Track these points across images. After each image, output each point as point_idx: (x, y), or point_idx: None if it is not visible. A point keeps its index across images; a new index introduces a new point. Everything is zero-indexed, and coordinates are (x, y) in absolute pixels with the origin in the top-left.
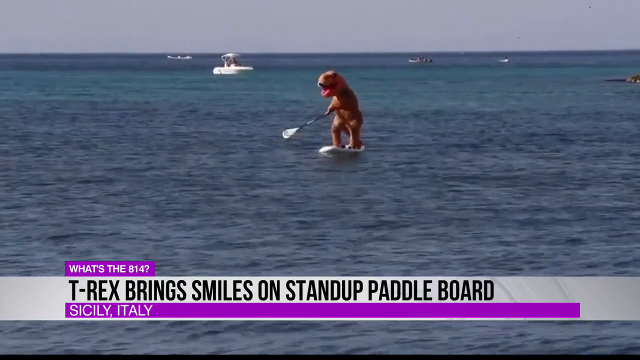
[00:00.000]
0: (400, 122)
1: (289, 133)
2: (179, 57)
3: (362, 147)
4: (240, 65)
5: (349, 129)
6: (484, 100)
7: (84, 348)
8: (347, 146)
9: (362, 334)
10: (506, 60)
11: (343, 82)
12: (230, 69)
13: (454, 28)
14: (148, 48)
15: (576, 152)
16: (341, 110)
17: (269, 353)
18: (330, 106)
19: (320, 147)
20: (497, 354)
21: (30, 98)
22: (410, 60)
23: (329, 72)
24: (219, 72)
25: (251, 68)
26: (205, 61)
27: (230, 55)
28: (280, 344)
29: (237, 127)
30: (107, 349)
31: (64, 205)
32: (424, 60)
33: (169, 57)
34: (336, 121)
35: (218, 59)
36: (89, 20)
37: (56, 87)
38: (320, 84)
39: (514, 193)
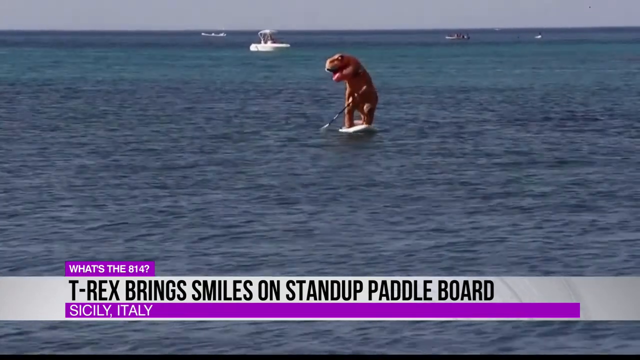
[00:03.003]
0: (432, 100)
1: (321, 131)
2: (213, 34)
3: (373, 126)
4: (276, 42)
5: (364, 110)
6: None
7: (84, 348)
8: (359, 125)
9: (362, 334)
10: (540, 36)
11: (354, 63)
12: (267, 46)
13: (487, 4)
14: (181, 25)
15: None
16: (355, 94)
17: (269, 353)
18: (347, 94)
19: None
20: (497, 354)
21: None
22: (447, 37)
23: (335, 56)
24: (255, 49)
25: (288, 45)
26: (241, 38)
27: (267, 31)
28: (280, 344)
29: (254, 104)
30: (107, 349)
31: (65, 203)
32: (461, 36)
33: (203, 34)
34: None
35: (253, 36)
36: None
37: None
38: (328, 70)
39: (527, 175)
